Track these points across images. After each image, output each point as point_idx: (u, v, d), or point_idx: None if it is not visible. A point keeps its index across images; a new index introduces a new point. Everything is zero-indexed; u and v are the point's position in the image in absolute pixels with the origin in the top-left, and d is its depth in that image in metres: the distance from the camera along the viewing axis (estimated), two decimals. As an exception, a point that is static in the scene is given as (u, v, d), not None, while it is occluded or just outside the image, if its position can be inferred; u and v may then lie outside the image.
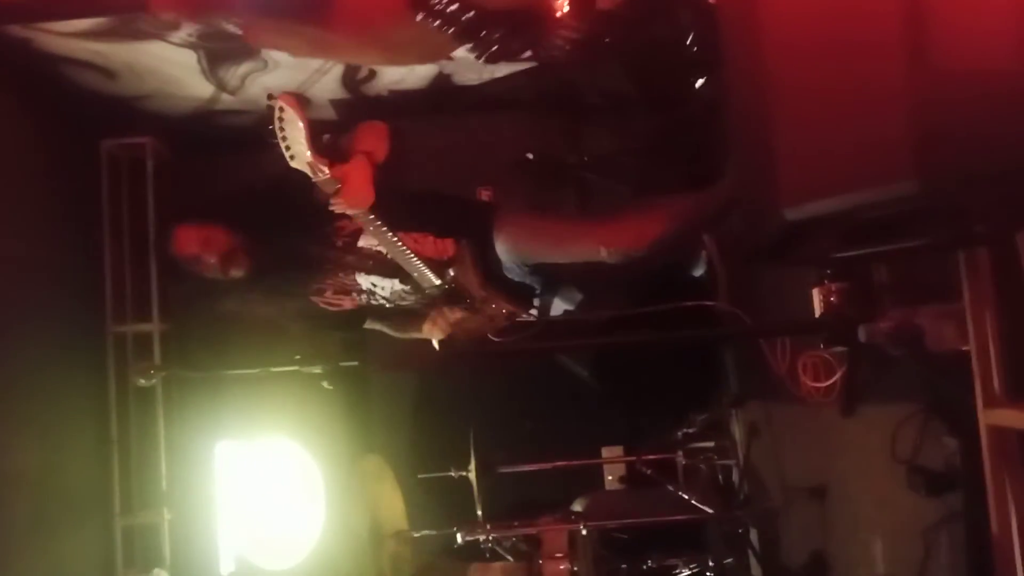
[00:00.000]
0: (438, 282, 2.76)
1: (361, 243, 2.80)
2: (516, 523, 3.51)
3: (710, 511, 3.44)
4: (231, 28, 3.21)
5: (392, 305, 2.93)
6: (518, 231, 2.89)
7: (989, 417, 1.87)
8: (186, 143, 4.21)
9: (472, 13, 3.00)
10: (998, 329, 1.86)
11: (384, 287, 2.88)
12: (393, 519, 3.37)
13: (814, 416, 2.89)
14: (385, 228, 2.58)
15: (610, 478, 4.03)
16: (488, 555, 3.56)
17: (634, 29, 3.51)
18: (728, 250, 3.29)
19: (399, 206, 2.68)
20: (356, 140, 2.64)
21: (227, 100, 3.87)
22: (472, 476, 3.48)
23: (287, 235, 2.75)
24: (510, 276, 2.95)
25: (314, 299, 2.90)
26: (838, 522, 2.87)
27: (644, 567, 3.59)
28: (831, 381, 2.67)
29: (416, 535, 3.41)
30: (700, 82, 3.51)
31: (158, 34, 3.26)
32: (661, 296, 2.99)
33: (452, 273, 2.78)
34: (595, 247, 2.81)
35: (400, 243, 2.64)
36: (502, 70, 3.76)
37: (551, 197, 4.07)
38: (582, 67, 3.76)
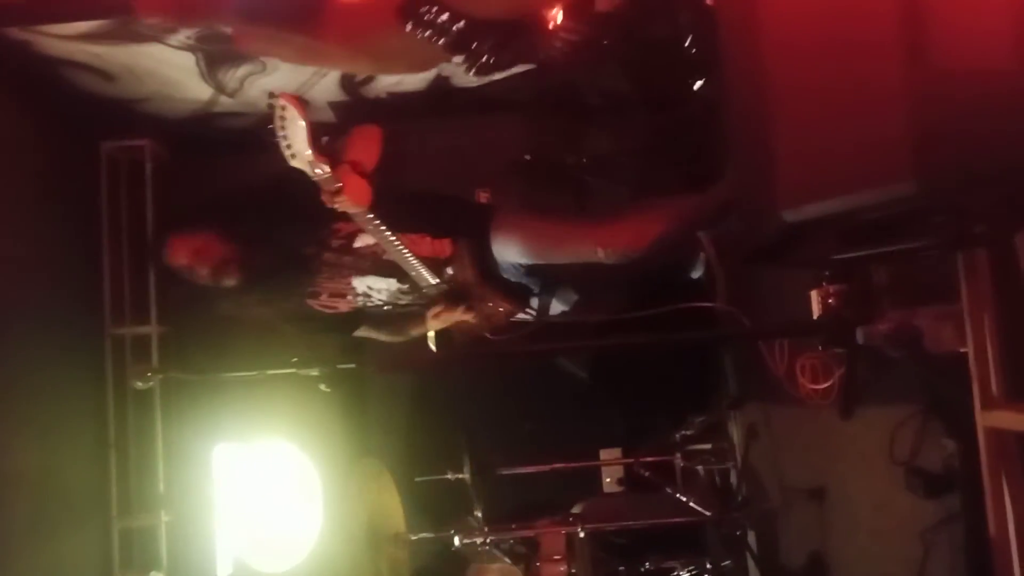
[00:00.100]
0: (435, 281, 2.76)
1: (357, 244, 2.79)
2: (514, 525, 3.51)
3: (708, 513, 3.43)
4: (227, 31, 3.21)
5: (388, 308, 2.93)
6: (515, 231, 2.89)
7: (987, 419, 1.87)
8: (185, 145, 4.21)
9: (462, 23, 2.97)
10: (996, 331, 1.86)
11: (380, 290, 2.88)
12: (391, 522, 3.37)
13: (812, 418, 2.88)
14: (383, 227, 2.58)
15: (608, 480, 4.03)
16: (486, 558, 3.55)
17: (632, 30, 3.51)
18: (726, 251, 3.29)
19: (396, 207, 2.67)
20: (349, 144, 2.64)
21: (226, 102, 3.87)
22: (469, 478, 3.47)
23: (283, 237, 2.75)
24: (507, 276, 2.95)
25: (309, 302, 2.89)
26: (836, 524, 2.87)
27: (642, 569, 3.59)
28: (829, 383, 2.67)
29: (414, 538, 3.40)
30: (699, 83, 3.51)
31: (156, 36, 3.26)
32: (659, 298, 2.99)
33: (450, 272, 2.78)
34: (592, 248, 2.81)
35: (398, 242, 2.64)
36: (500, 72, 3.76)
37: (549, 198, 4.06)
38: (581, 69, 3.75)
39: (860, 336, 2.04)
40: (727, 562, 3.54)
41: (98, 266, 4.04)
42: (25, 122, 3.60)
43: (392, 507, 3.42)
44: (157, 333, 4.07)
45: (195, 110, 3.97)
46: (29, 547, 3.37)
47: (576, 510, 3.72)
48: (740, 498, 3.65)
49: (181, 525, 4.04)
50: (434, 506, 3.79)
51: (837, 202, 1.52)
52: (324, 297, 2.88)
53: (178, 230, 2.71)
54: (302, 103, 2.28)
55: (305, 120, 2.26)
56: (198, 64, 3.53)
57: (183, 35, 3.25)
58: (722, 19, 1.96)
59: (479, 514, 3.45)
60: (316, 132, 2.31)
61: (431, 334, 2.99)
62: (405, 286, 2.84)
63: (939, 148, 1.46)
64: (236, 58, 3.52)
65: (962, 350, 1.91)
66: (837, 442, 2.78)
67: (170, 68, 3.53)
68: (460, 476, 3.53)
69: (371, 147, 2.65)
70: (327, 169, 2.35)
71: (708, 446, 3.82)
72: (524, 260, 2.93)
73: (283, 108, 2.24)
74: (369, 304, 2.91)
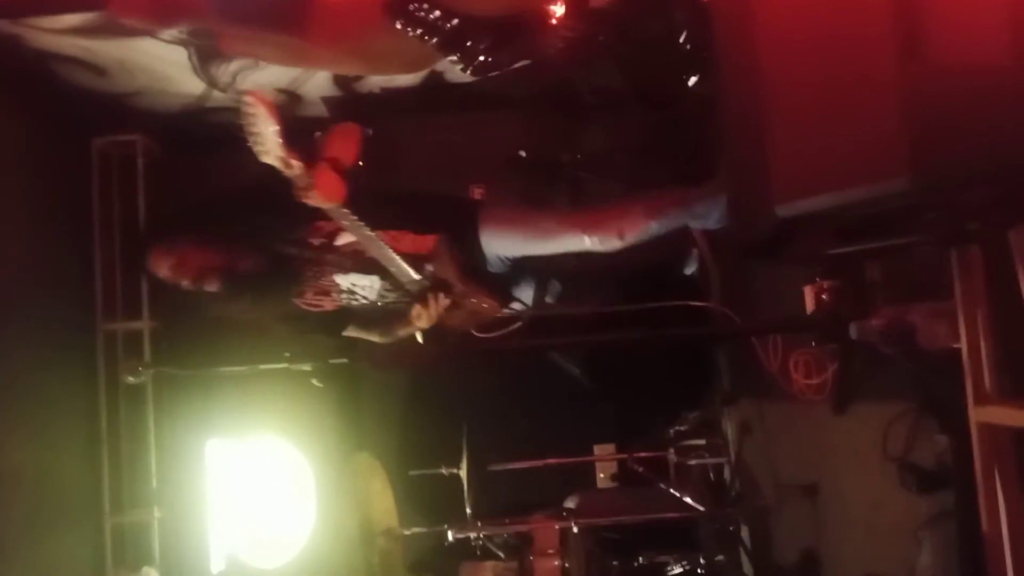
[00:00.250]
0: (417, 277, 2.76)
1: (339, 242, 2.79)
2: (507, 520, 3.51)
3: (702, 509, 3.44)
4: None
5: (374, 304, 2.92)
6: (504, 224, 2.89)
7: (980, 414, 1.88)
8: (177, 140, 4.19)
9: (456, 21, 2.91)
10: (989, 327, 1.86)
11: (364, 287, 2.87)
12: (384, 517, 3.36)
13: (806, 414, 2.89)
14: (361, 223, 2.58)
15: (602, 476, 4.03)
16: (479, 552, 3.55)
17: (627, 27, 3.50)
18: (720, 247, 3.29)
19: (377, 204, 2.68)
20: (327, 141, 2.64)
21: (218, 97, 3.85)
22: (463, 473, 3.47)
23: (263, 237, 2.75)
24: (493, 271, 2.95)
25: (295, 301, 2.89)
26: (829, 520, 2.88)
27: (635, 564, 3.59)
28: (823, 378, 2.68)
29: (407, 532, 3.40)
30: (693, 80, 3.51)
31: (148, 31, 3.24)
32: (653, 294, 2.99)
33: (430, 269, 2.78)
34: (579, 235, 2.84)
35: (376, 238, 2.64)
36: (497, 71, 3.75)
37: (544, 195, 4.06)
38: (576, 65, 3.75)
39: (853, 332, 2.04)
40: (720, 557, 3.54)
41: (90, 262, 4.02)
42: (15, 117, 3.58)
43: (385, 501, 3.41)
44: (149, 329, 4.06)
45: (187, 105, 3.95)
46: (22, 543, 3.36)
47: (569, 504, 3.72)
48: (733, 493, 3.65)
49: (174, 521, 4.03)
50: (428, 500, 3.79)
51: (831, 197, 1.52)
52: (309, 295, 2.88)
53: (158, 242, 2.70)
54: (270, 101, 2.28)
55: (273, 117, 2.27)
56: (190, 59, 3.52)
57: (175, 29, 3.23)
58: (717, 16, 1.96)
59: (471, 509, 3.44)
60: (286, 126, 2.32)
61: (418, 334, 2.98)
62: (388, 283, 2.84)
63: (933, 144, 1.46)
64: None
65: (955, 346, 1.92)
66: (830, 438, 2.78)
67: (162, 63, 3.52)
68: (454, 471, 3.53)
69: (350, 144, 2.66)
70: (297, 165, 2.37)
71: (702, 442, 3.83)
72: (512, 253, 2.93)
73: (251, 106, 2.26)
74: (354, 302, 2.90)
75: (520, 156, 4.06)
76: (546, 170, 4.07)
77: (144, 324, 4.05)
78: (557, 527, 3.40)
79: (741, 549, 3.55)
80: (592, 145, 4.08)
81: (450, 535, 3.42)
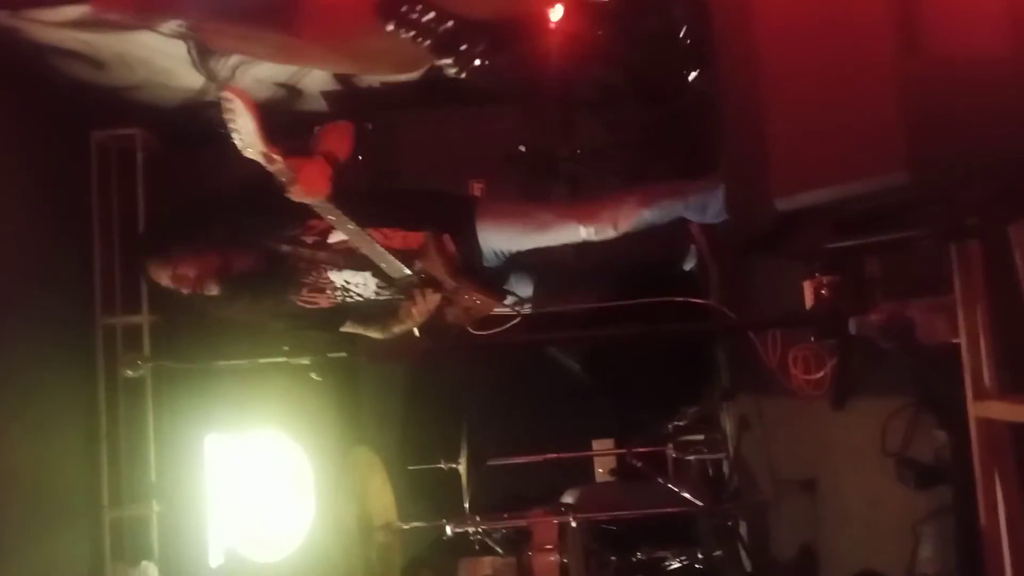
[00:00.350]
0: (407, 272, 2.77)
1: (332, 240, 2.80)
2: (506, 515, 3.51)
3: (700, 504, 3.44)
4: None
5: (369, 301, 2.93)
6: (500, 217, 2.90)
7: (979, 409, 1.87)
8: (176, 134, 4.19)
9: (451, 24, 2.84)
10: (989, 322, 1.86)
11: (358, 284, 2.88)
12: (382, 511, 3.36)
13: (804, 409, 2.89)
14: (347, 218, 2.59)
15: (600, 471, 4.03)
16: (477, 547, 3.55)
17: (627, 22, 3.49)
18: (719, 243, 3.29)
19: (367, 203, 2.71)
20: (321, 136, 2.65)
21: (217, 91, 3.84)
22: (462, 468, 3.47)
23: (257, 237, 2.75)
24: (488, 267, 2.95)
25: (291, 298, 2.90)
26: (827, 515, 2.88)
27: (634, 559, 3.59)
28: (821, 374, 2.67)
29: (405, 527, 3.40)
30: (693, 75, 3.50)
31: (133, 26, 3.23)
32: (651, 291, 2.99)
33: (420, 265, 2.78)
34: (574, 226, 2.84)
35: (363, 233, 2.65)
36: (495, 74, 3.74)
37: (543, 190, 4.06)
38: (575, 61, 3.74)
39: (852, 327, 2.04)
40: (718, 552, 3.54)
41: (89, 256, 4.02)
42: (14, 110, 3.58)
43: (384, 496, 3.41)
44: (149, 322, 4.06)
45: (186, 99, 3.95)
46: (20, 538, 3.36)
47: (568, 499, 3.72)
48: (732, 489, 3.65)
49: (173, 515, 4.03)
50: (427, 495, 3.79)
51: (830, 191, 1.52)
52: (304, 292, 2.88)
53: (153, 256, 2.70)
54: (249, 95, 2.30)
55: (252, 111, 2.29)
56: (189, 52, 3.51)
57: (174, 23, 3.22)
58: (716, 10, 1.96)
59: (468, 504, 3.45)
60: (265, 121, 2.34)
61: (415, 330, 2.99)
62: (380, 280, 2.84)
63: (932, 138, 1.46)
64: (280, 64, 3.49)
65: (954, 341, 1.92)
66: (829, 433, 2.78)
67: (161, 56, 3.51)
68: (453, 465, 3.53)
69: (344, 140, 2.67)
70: (278, 159, 2.38)
71: (700, 437, 3.83)
72: (509, 247, 2.93)
73: (230, 101, 2.27)
74: (349, 299, 2.91)
75: (519, 151, 4.05)
76: (545, 165, 4.07)
77: (143, 318, 4.05)
78: (555, 522, 3.40)
79: (739, 544, 3.55)
80: (591, 140, 4.07)
81: (448, 530, 3.42)
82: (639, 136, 4.05)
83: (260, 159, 2.38)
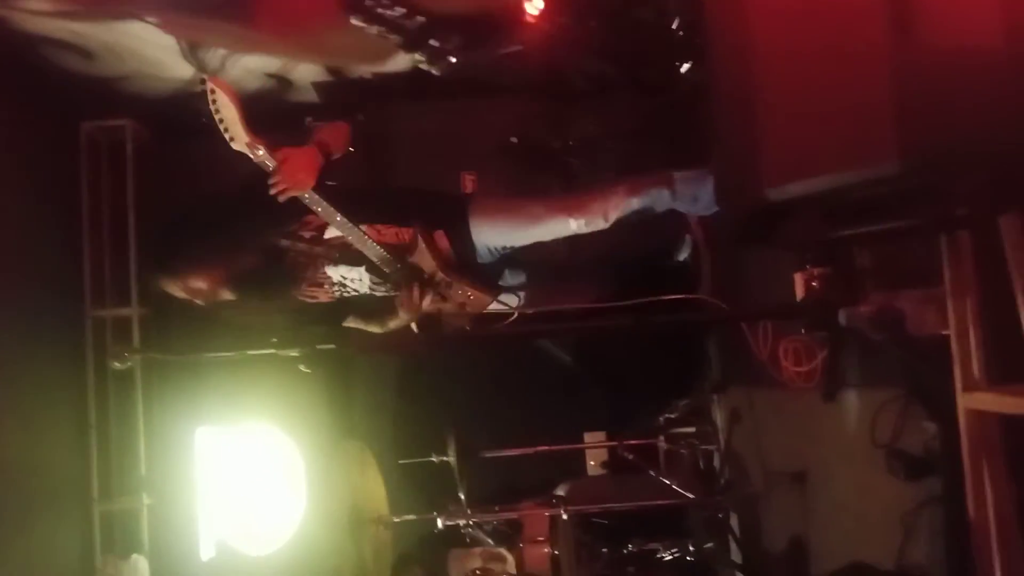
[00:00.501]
0: (397, 267, 2.77)
1: (328, 235, 2.80)
2: (497, 508, 3.51)
3: (691, 496, 3.44)
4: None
5: (368, 296, 2.92)
6: (492, 213, 2.90)
7: (968, 401, 1.88)
8: (167, 125, 4.16)
9: (421, 19, 2.76)
10: (978, 313, 1.86)
11: (353, 279, 2.88)
12: (374, 504, 3.36)
13: (795, 401, 2.89)
14: (335, 211, 2.60)
15: (592, 463, 4.03)
16: (469, 540, 3.55)
17: (620, 13, 3.49)
18: (714, 234, 3.29)
19: (360, 199, 2.73)
20: (318, 130, 2.68)
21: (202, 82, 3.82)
22: (453, 461, 3.47)
23: (258, 234, 2.75)
24: (482, 262, 2.95)
25: (294, 293, 2.90)
26: (818, 507, 2.88)
27: (625, 552, 3.60)
28: (812, 366, 2.68)
29: (396, 520, 3.40)
30: (686, 67, 3.50)
31: (136, 13, 3.21)
32: (645, 281, 2.99)
33: (411, 260, 2.78)
34: (564, 218, 2.84)
35: (352, 226, 2.65)
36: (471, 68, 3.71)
37: (536, 181, 4.05)
38: (567, 52, 3.73)
39: (842, 318, 2.04)
40: (709, 544, 3.55)
41: (78, 247, 3.99)
42: (2, 101, 3.55)
43: (375, 489, 3.41)
44: (138, 315, 4.04)
45: (177, 90, 3.92)
46: (9, 530, 3.35)
47: (559, 491, 3.72)
48: (723, 481, 3.66)
49: (163, 508, 4.01)
50: (418, 489, 3.79)
51: (821, 181, 1.51)
52: (304, 287, 2.88)
53: (163, 274, 2.70)
54: (230, 86, 2.32)
55: (236, 102, 2.31)
56: (179, 43, 3.49)
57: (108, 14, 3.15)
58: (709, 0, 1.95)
59: (462, 496, 3.44)
60: (248, 113, 2.35)
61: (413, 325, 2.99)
62: (375, 275, 2.85)
63: (923, 129, 1.45)
64: (235, 51, 3.46)
65: (944, 332, 1.92)
66: (819, 425, 2.79)
67: (151, 47, 3.49)
68: (444, 459, 3.53)
69: (339, 138, 2.70)
70: (264, 150, 2.41)
71: (692, 429, 3.83)
72: (502, 242, 2.94)
73: (213, 92, 2.29)
74: (347, 293, 2.91)
75: (511, 142, 4.05)
76: (538, 156, 4.06)
77: (133, 311, 4.03)
78: (547, 514, 3.40)
79: (730, 536, 3.55)
80: (584, 131, 4.07)
81: (440, 522, 3.42)
82: (632, 128, 4.04)
83: (245, 150, 2.39)
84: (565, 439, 3.93)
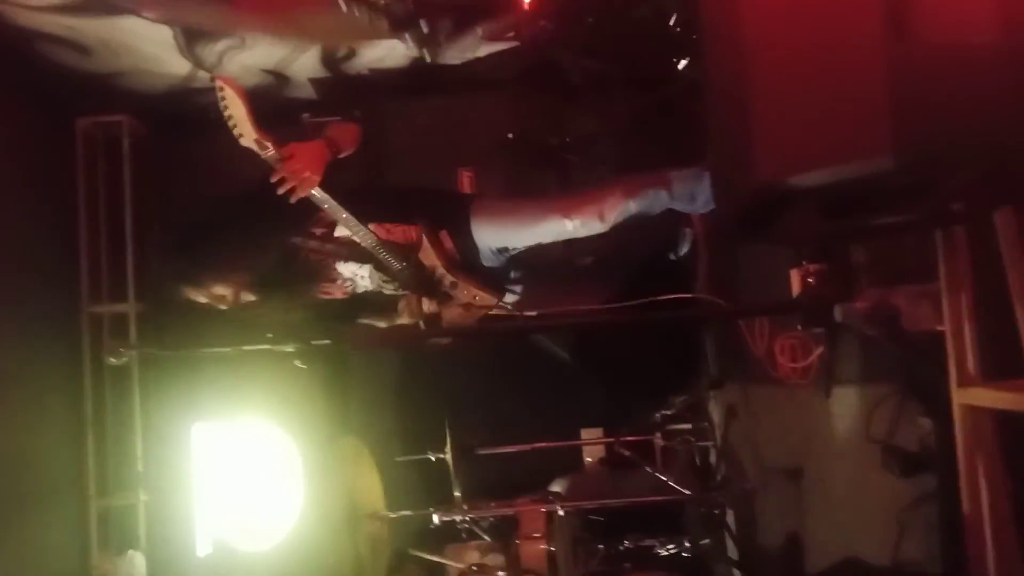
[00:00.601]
0: (403, 265, 2.77)
1: (338, 233, 2.81)
2: (493, 504, 3.52)
3: (687, 492, 3.45)
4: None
5: (379, 293, 2.94)
6: (493, 214, 2.92)
7: (963, 397, 1.88)
8: (163, 121, 4.15)
9: (410, 3, 2.74)
10: (973, 309, 1.86)
11: (363, 276, 2.89)
12: (371, 501, 3.36)
13: (791, 397, 2.89)
14: (341, 208, 2.60)
15: (589, 459, 4.03)
16: (465, 536, 3.56)
17: (617, 9, 3.48)
18: (713, 230, 3.28)
19: (368, 199, 2.74)
20: (326, 128, 2.70)
21: (204, 77, 3.81)
22: (449, 458, 3.47)
23: (272, 233, 2.76)
24: (486, 263, 2.95)
25: (313, 290, 2.92)
26: (814, 503, 2.89)
27: (621, 548, 3.60)
28: (808, 362, 2.68)
29: (393, 516, 3.40)
30: (683, 63, 3.49)
31: (132, 9, 3.20)
32: (645, 277, 3.00)
33: (417, 258, 2.79)
34: (560, 219, 2.85)
35: (357, 224, 2.66)
36: (483, 50, 3.72)
37: (533, 178, 4.05)
38: (564, 47, 3.73)
39: (838, 314, 2.04)
40: (706, 541, 3.55)
41: (74, 244, 3.99)
42: (-2, 96, 3.54)
43: (372, 485, 3.41)
44: (135, 311, 4.03)
45: (173, 85, 3.91)
46: (6, 526, 3.35)
47: (556, 488, 3.73)
48: (719, 477, 3.66)
49: (160, 504, 4.01)
50: (415, 484, 3.79)
51: (816, 175, 1.51)
52: (320, 284, 2.90)
53: (186, 284, 2.71)
54: (239, 84, 2.34)
55: (244, 99, 2.32)
56: (175, 38, 3.48)
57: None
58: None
59: (458, 493, 3.45)
60: (257, 110, 2.36)
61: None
62: (383, 273, 2.86)
63: (918, 124, 1.45)
64: (214, 32, 3.46)
65: (939, 328, 1.92)
66: (815, 421, 2.79)
67: (147, 42, 3.48)
68: (441, 456, 3.53)
69: (349, 138, 2.72)
70: (270, 147, 2.42)
71: (688, 426, 3.83)
72: (502, 243, 2.95)
73: (222, 89, 2.30)
74: (358, 291, 2.93)
75: (508, 138, 4.04)
76: (535, 153, 4.06)
77: (130, 307, 4.03)
78: (543, 510, 3.40)
79: (726, 532, 3.56)
80: (581, 128, 4.07)
81: (436, 518, 3.42)
82: (629, 124, 4.04)
83: (254, 147, 2.39)
84: (562, 435, 3.93)
